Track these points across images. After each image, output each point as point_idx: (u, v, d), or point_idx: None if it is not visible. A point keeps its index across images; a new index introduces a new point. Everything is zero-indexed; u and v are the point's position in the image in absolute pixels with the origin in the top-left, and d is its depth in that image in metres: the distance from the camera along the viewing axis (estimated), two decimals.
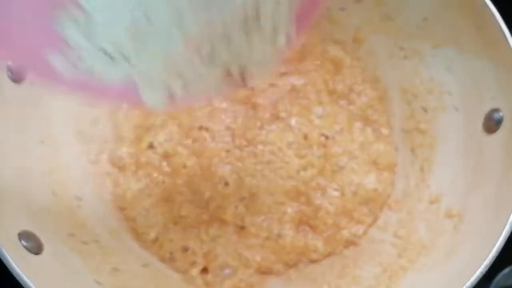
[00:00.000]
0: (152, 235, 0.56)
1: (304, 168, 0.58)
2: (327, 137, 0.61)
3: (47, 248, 0.47)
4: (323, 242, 0.56)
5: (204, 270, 0.55)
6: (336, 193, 0.58)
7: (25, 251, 0.44)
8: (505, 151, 0.50)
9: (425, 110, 0.60)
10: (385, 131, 0.63)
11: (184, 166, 0.58)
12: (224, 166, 0.58)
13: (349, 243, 0.57)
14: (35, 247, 0.46)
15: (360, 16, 0.64)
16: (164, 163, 0.58)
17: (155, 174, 0.58)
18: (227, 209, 0.56)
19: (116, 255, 0.53)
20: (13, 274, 0.42)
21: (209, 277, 0.55)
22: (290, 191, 0.57)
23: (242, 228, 0.56)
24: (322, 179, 0.58)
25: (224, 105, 0.61)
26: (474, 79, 0.55)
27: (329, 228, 0.57)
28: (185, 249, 0.55)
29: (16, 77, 0.52)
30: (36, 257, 0.45)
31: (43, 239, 0.47)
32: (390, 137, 0.62)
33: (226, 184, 0.57)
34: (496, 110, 0.52)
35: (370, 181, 0.59)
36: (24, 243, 0.45)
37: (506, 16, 0.52)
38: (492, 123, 0.52)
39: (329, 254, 0.57)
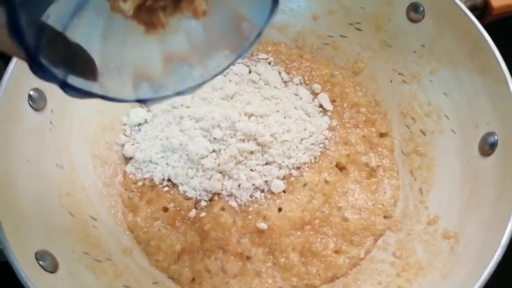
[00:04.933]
0: (161, 257, 0.58)
1: (312, 199, 0.59)
2: (337, 165, 0.62)
3: (62, 267, 0.49)
4: (325, 269, 0.57)
5: None
6: (339, 220, 0.59)
7: (41, 270, 0.47)
8: (499, 174, 0.52)
9: (423, 133, 0.62)
10: (387, 154, 0.64)
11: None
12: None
13: (352, 266, 0.58)
14: (51, 266, 0.49)
15: (360, 43, 0.67)
16: (167, 188, 0.60)
17: (161, 200, 0.60)
18: (230, 240, 0.57)
19: (127, 273, 0.56)
20: None
21: None
22: (296, 222, 0.58)
23: (249, 257, 0.57)
24: (327, 207, 0.59)
25: None
26: (469, 104, 0.57)
27: (331, 254, 0.57)
28: (192, 271, 0.57)
29: (37, 106, 0.56)
30: (52, 275, 0.48)
31: (59, 258, 0.50)
32: (392, 160, 0.64)
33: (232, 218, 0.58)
34: (490, 133, 0.54)
35: (374, 206, 0.60)
36: (40, 262, 0.48)
37: (499, 43, 0.54)
38: (487, 147, 0.54)
39: (331, 280, 0.57)
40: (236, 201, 0.59)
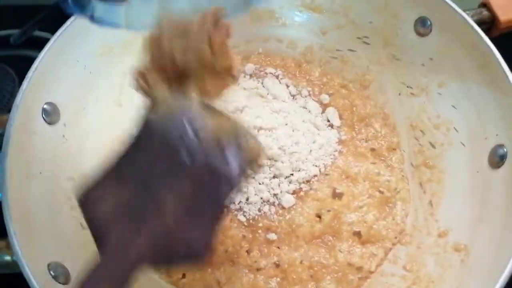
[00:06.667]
0: (170, 269, 0.57)
1: (322, 212, 0.59)
2: (347, 177, 0.62)
3: (74, 278, 0.50)
4: (335, 283, 0.56)
5: None
6: (349, 233, 0.58)
7: (53, 281, 0.48)
8: (509, 186, 0.52)
9: (433, 145, 0.62)
10: (397, 167, 0.64)
11: None
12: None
13: (362, 280, 0.57)
14: (63, 277, 0.49)
15: (368, 57, 0.68)
16: None
17: None
18: (240, 253, 0.57)
19: (137, 285, 0.54)
20: None
21: None
22: (306, 236, 0.58)
23: (258, 269, 0.56)
24: (337, 221, 0.59)
25: None
26: (479, 116, 0.57)
27: (341, 268, 0.57)
28: (202, 283, 0.56)
29: (51, 119, 0.57)
30: (64, 286, 0.49)
31: (70, 270, 0.50)
32: (402, 173, 0.64)
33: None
34: (500, 146, 0.54)
35: (384, 219, 0.60)
36: (52, 273, 0.48)
37: (507, 57, 0.54)
38: (496, 159, 0.54)
39: None
40: (245, 216, 0.59)
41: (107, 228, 0.38)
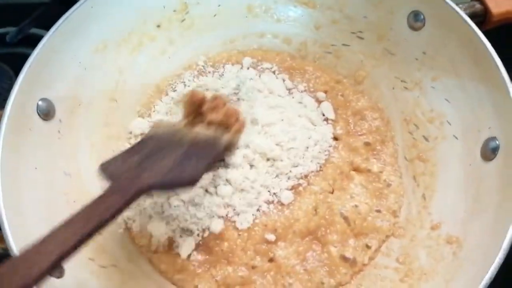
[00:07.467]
0: (165, 266, 0.58)
1: (318, 207, 0.59)
2: (341, 172, 0.62)
3: (68, 272, 0.50)
4: (329, 277, 0.57)
5: None
6: (343, 227, 0.59)
7: (47, 276, 0.48)
8: (501, 178, 0.52)
9: (426, 139, 0.62)
10: (391, 161, 0.64)
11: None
12: None
13: (355, 272, 0.57)
14: (58, 271, 0.49)
15: (363, 51, 0.68)
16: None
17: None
18: (235, 252, 0.57)
19: (133, 279, 0.56)
20: None
21: None
22: (303, 230, 0.58)
23: (254, 267, 0.57)
24: (332, 214, 0.59)
25: None
26: (472, 110, 0.57)
27: (335, 261, 0.57)
28: (197, 279, 0.57)
29: (46, 115, 0.58)
30: (58, 280, 0.49)
31: (64, 264, 0.50)
32: (396, 167, 0.64)
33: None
34: (492, 138, 0.54)
35: (378, 212, 0.60)
36: None
37: (499, 50, 0.54)
38: (489, 151, 0.54)
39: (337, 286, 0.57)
40: (242, 215, 0.59)
41: (119, 174, 0.49)
